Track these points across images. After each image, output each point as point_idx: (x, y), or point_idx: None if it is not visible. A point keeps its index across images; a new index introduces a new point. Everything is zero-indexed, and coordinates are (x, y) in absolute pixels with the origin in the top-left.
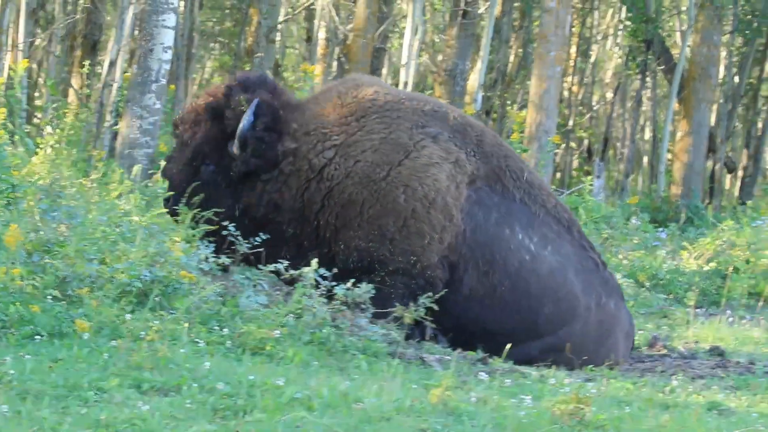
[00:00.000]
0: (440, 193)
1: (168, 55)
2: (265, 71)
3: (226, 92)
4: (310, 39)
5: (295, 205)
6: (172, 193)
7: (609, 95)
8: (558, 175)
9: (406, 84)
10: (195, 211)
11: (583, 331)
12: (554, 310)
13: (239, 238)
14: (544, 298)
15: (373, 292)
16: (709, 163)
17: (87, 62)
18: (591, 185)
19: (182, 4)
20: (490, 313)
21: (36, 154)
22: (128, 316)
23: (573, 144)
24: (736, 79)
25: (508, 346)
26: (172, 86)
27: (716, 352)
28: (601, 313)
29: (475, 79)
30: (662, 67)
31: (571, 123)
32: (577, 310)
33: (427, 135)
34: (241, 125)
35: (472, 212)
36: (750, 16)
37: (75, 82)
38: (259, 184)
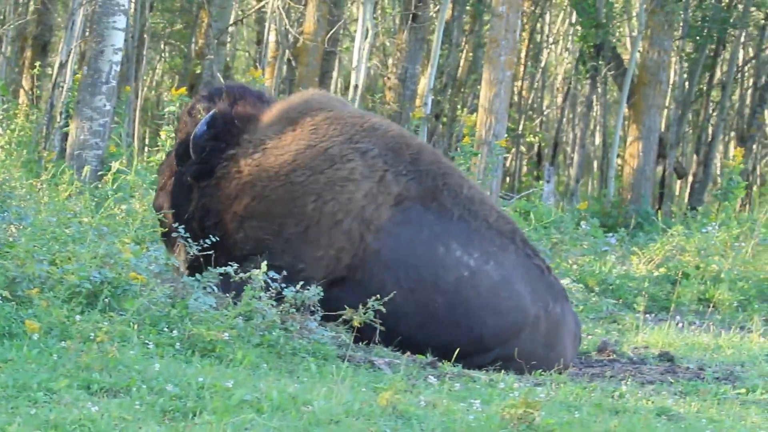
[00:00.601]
0: (349, 215)
1: (118, 57)
2: (236, 81)
3: (195, 101)
4: (260, 41)
5: (219, 207)
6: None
7: (559, 100)
8: (507, 179)
9: (356, 87)
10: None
11: (533, 339)
12: (500, 323)
13: (189, 240)
14: (487, 313)
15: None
16: (659, 169)
17: (37, 63)
18: (541, 190)
19: (133, 6)
20: (424, 329)
21: None
22: (78, 317)
23: (523, 148)
24: (687, 84)
25: (457, 351)
26: (128, 87)
27: (666, 357)
28: (550, 319)
29: (425, 83)
30: (612, 73)
31: (521, 127)
32: (525, 321)
33: (356, 150)
34: (192, 133)
35: (395, 232)
36: (700, 22)
37: (25, 83)
38: (198, 189)
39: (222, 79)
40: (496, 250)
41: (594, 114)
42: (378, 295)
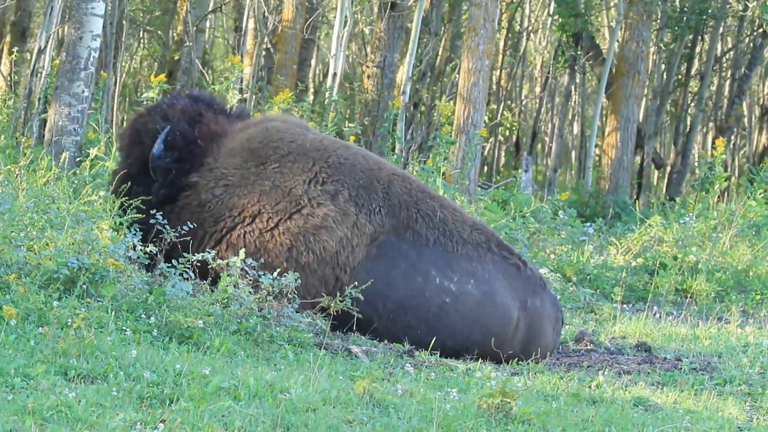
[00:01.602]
0: (323, 263)
1: (97, 43)
2: (200, 89)
3: (146, 116)
4: (239, 29)
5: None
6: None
7: (538, 89)
8: (486, 168)
9: (335, 75)
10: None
11: (513, 338)
12: (486, 334)
13: (166, 226)
14: (473, 331)
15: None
16: (637, 159)
17: (16, 49)
18: (519, 179)
19: None
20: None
21: None
22: (55, 304)
23: (501, 138)
24: (665, 75)
25: (434, 339)
26: (104, 74)
27: (643, 347)
28: (529, 316)
29: (403, 72)
30: (591, 63)
31: (499, 117)
32: (509, 327)
33: (325, 192)
34: (150, 153)
35: (372, 268)
36: (679, 13)
37: (4, 68)
38: (161, 214)
39: (201, 66)
40: (475, 265)
41: (572, 104)
42: (356, 285)
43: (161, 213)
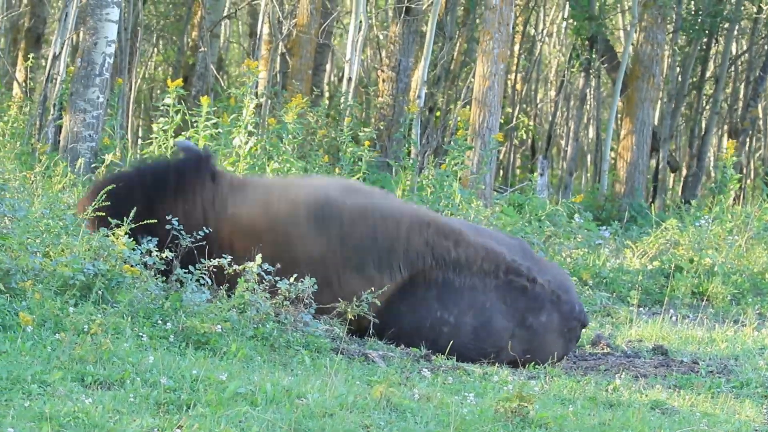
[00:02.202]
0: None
1: (111, 49)
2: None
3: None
4: (253, 34)
5: None
6: None
7: (553, 93)
8: (501, 172)
9: (350, 80)
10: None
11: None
12: (481, 354)
13: (182, 232)
14: (468, 354)
15: None
16: (653, 162)
17: (31, 55)
18: (535, 183)
19: None
20: None
21: None
22: (71, 310)
23: (516, 141)
24: (680, 78)
25: (451, 342)
26: (120, 80)
27: (659, 351)
28: (529, 332)
29: (418, 76)
30: (606, 66)
31: (514, 120)
32: (502, 345)
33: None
34: None
35: (382, 309)
36: (693, 15)
37: (19, 75)
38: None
39: (215, 72)
40: (478, 295)
41: (587, 107)
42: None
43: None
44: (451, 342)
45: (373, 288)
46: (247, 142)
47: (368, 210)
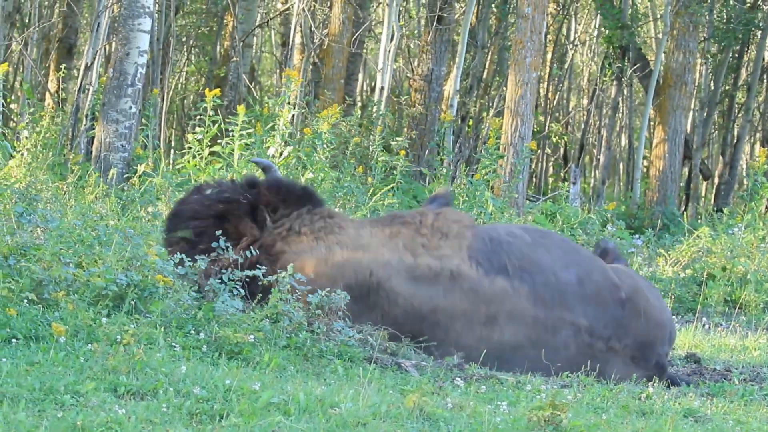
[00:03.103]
0: None
1: (143, 59)
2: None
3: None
4: (285, 44)
5: None
6: None
7: (585, 101)
8: (534, 181)
9: (382, 89)
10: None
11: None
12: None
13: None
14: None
15: None
16: (685, 170)
17: (63, 66)
18: (567, 191)
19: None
20: None
21: (12, 157)
22: (104, 320)
23: (549, 150)
24: (712, 86)
25: (485, 351)
26: (156, 90)
27: (692, 359)
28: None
29: (450, 85)
30: (638, 74)
31: (547, 129)
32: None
33: None
34: None
35: None
36: (725, 23)
37: (51, 85)
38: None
39: (248, 82)
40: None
41: (620, 115)
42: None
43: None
44: None
45: None
46: (281, 152)
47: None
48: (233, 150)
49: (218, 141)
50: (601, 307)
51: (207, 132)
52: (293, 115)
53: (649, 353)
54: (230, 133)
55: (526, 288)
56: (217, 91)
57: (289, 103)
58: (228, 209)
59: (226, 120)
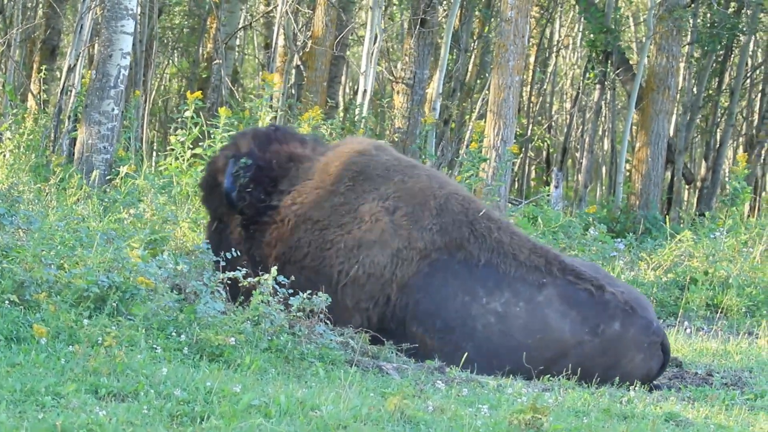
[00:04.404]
0: (372, 278)
1: (126, 61)
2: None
3: (219, 155)
4: (269, 46)
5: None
6: None
7: (568, 105)
8: (516, 184)
9: (365, 92)
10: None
11: (581, 364)
12: (533, 356)
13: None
14: (518, 352)
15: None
16: (668, 174)
17: (45, 67)
18: (549, 195)
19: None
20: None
21: None
22: (86, 322)
23: (531, 153)
24: (695, 90)
25: (465, 355)
26: (138, 92)
27: (674, 363)
28: (602, 340)
29: (433, 88)
30: (621, 78)
31: (529, 132)
32: (565, 350)
33: (385, 209)
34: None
35: (424, 284)
36: (709, 28)
37: (33, 87)
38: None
39: (230, 84)
40: (529, 288)
41: (602, 119)
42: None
43: (250, 232)
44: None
45: (403, 239)
46: None
47: (420, 167)
48: (215, 152)
49: (200, 143)
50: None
51: (189, 134)
52: (275, 118)
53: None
54: (212, 135)
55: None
56: (198, 93)
57: (271, 107)
58: None
59: (208, 122)
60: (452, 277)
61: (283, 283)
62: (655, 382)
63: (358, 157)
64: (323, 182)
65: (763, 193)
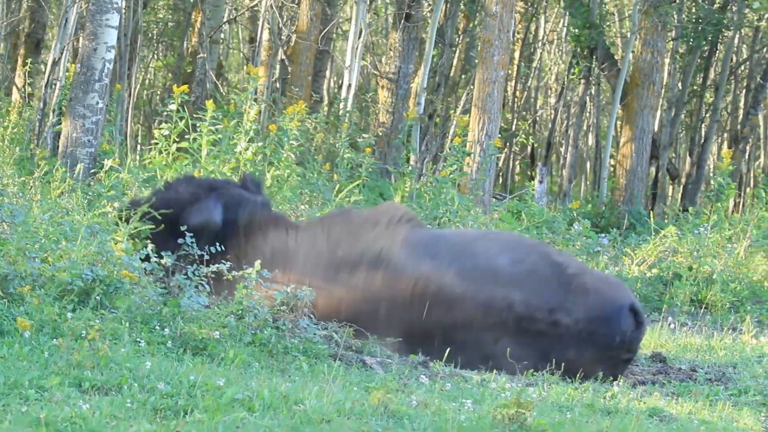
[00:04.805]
0: None
1: (111, 55)
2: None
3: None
4: (253, 40)
5: None
6: None
7: (552, 100)
8: (500, 179)
9: (350, 86)
10: None
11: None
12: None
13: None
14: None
15: None
16: (652, 170)
17: (30, 61)
18: (533, 190)
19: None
20: None
21: None
22: (69, 315)
23: (516, 148)
24: (680, 85)
25: (447, 350)
26: (118, 86)
27: (658, 358)
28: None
29: (418, 83)
30: (606, 73)
31: (514, 127)
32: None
33: None
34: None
35: None
36: (694, 23)
37: (18, 80)
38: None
39: (215, 78)
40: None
41: (587, 114)
42: None
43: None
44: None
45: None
46: (247, 149)
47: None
48: (201, 146)
49: (185, 137)
50: (540, 282)
51: (174, 128)
52: (260, 112)
53: (606, 329)
54: (197, 129)
55: (454, 269)
56: (184, 87)
57: (255, 101)
58: None
59: (194, 116)
60: None
61: (267, 277)
62: (639, 378)
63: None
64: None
65: (748, 189)
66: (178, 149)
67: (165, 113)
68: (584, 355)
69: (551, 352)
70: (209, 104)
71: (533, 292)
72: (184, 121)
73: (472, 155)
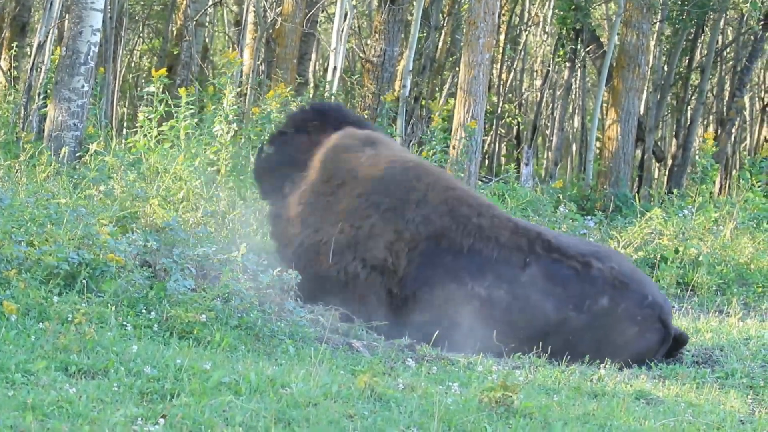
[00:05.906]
0: (375, 270)
1: (96, 38)
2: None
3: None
4: (239, 23)
5: None
6: None
7: (538, 83)
8: (486, 162)
9: (335, 69)
10: None
11: (566, 340)
12: (517, 335)
13: None
14: (503, 332)
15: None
16: (638, 152)
17: (15, 44)
18: (517, 172)
19: None
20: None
21: None
22: (56, 299)
23: (502, 131)
24: (666, 68)
25: (436, 333)
26: (102, 69)
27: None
28: (589, 316)
29: (403, 65)
30: (591, 56)
31: (500, 110)
32: (546, 327)
33: (373, 204)
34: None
35: (418, 274)
36: (680, 5)
37: (3, 63)
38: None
39: (200, 61)
40: (513, 269)
41: (573, 97)
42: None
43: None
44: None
45: (392, 233)
46: (228, 131)
47: (399, 160)
48: (179, 130)
49: (170, 119)
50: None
51: (155, 112)
52: (245, 95)
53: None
54: (176, 114)
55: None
56: (163, 71)
57: (241, 84)
58: None
59: (173, 99)
60: (441, 266)
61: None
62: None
63: (343, 154)
64: (318, 179)
65: (734, 171)
66: (160, 132)
67: (145, 97)
68: (617, 305)
69: (586, 297)
70: (182, 91)
71: (565, 238)
72: (163, 104)
73: (458, 138)
